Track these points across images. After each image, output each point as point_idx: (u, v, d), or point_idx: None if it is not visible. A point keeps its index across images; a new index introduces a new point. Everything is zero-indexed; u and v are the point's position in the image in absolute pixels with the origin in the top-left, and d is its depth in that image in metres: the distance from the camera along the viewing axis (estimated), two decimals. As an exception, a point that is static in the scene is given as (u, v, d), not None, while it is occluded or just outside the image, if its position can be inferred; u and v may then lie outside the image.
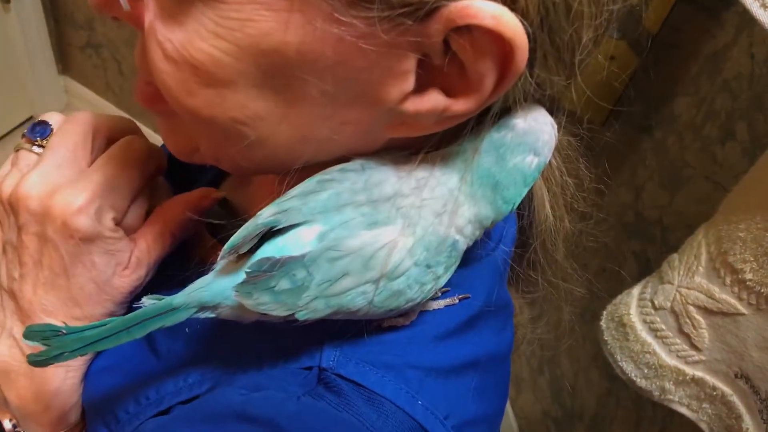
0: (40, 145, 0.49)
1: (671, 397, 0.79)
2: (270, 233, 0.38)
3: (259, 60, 0.35)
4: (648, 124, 1.03)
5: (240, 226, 0.39)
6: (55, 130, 0.49)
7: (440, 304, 0.45)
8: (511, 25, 0.33)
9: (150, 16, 0.36)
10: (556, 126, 0.41)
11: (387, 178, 0.39)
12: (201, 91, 0.37)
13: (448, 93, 0.37)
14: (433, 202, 0.39)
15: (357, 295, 0.37)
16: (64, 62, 2.06)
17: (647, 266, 1.08)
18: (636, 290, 0.82)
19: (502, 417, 0.50)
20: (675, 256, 0.78)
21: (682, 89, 0.97)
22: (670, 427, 1.08)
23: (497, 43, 0.34)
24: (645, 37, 0.93)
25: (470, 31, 0.33)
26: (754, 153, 0.86)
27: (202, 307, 0.38)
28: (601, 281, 1.13)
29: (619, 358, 0.82)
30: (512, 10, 0.33)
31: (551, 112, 0.43)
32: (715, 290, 0.72)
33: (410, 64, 0.35)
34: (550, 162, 0.47)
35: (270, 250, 0.38)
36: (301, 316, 0.37)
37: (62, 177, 0.45)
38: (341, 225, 0.37)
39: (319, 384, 0.40)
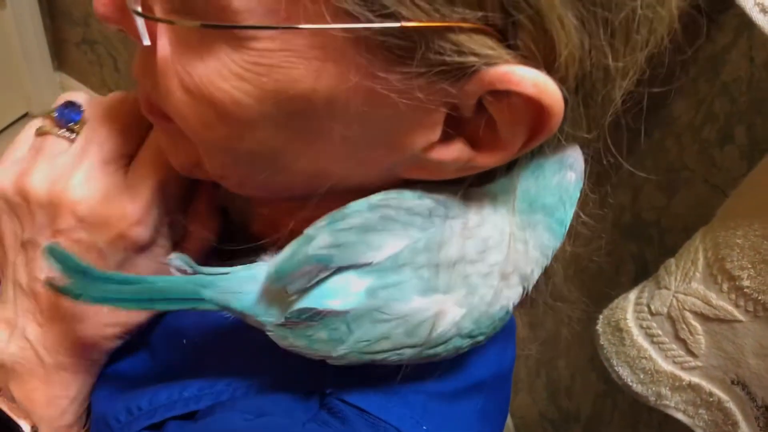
0: (71, 130, 0.44)
1: (667, 402, 0.79)
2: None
3: (283, 104, 0.33)
4: (646, 126, 1.02)
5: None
6: (88, 116, 0.44)
7: None
8: (551, 93, 0.32)
9: (165, 42, 0.34)
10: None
11: (451, 237, 0.36)
12: (220, 126, 0.35)
13: (474, 145, 0.36)
14: (500, 268, 0.37)
15: (392, 355, 0.37)
16: (60, 59, 2.05)
17: (644, 269, 1.08)
18: (632, 295, 0.82)
19: None
20: (672, 261, 0.78)
21: (681, 91, 0.96)
22: (667, 431, 1.07)
23: (535, 108, 0.33)
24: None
25: (508, 95, 0.32)
26: (752, 156, 0.86)
27: (227, 308, 0.37)
28: (598, 284, 1.13)
29: (615, 363, 0.82)
30: (550, 74, 0.32)
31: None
32: (712, 297, 0.71)
33: (440, 117, 0.34)
34: None
35: (313, 300, 0.36)
36: (331, 362, 0.37)
37: (112, 179, 0.42)
38: (395, 285, 0.35)
39: (322, 409, 0.40)
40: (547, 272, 0.50)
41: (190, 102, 0.34)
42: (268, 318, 0.36)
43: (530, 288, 0.39)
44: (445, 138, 0.35)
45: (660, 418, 1.08)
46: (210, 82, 0.33)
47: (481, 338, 0.38)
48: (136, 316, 0.44)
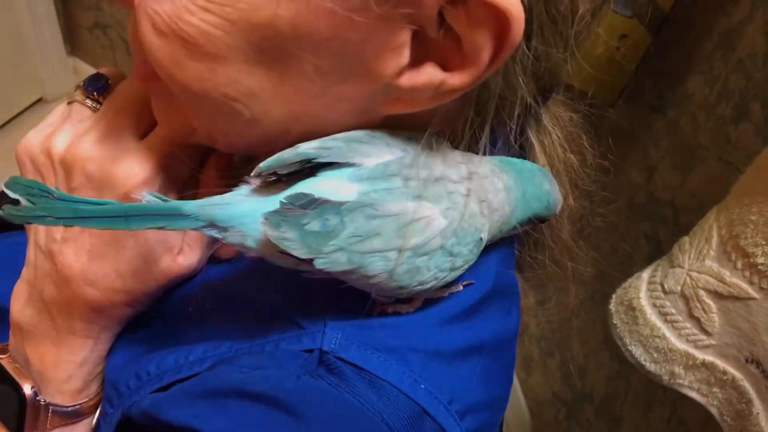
0: (96, 100, 0.47)
1: (681, 381, 0.79)
2: (308, 174, 0.37)
3: (250, 35, 0.34)
4: (660, 104, 1.01)
5: None
6: (113, 87, 0.47)
7: (444, 291, 0.44)
8: None
9: None
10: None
11: (434, 161, 0.39)
12: (192, 64, 0.36)
13: (444, 67, 0.36)
14: (477, 195, 0.39)
15: (379, 259, 0.37)
16: (73, 43, 2.06)
17: (658, 248, 1.07)
18: (646, 274, 0.81)
19: (507, 401, 0.49)
20: (686, 239, 0.77)
21: (696, 68, 0.95)
22: (681, 410, 1.07)
23: (493, 14, 0.33)
24: (657, 14, 0.91)
25: (465, 2, 0.33)
26: (767, 134, 0.85)
27: (211, 224, 0.37)
28: (611, 262, 1.12)
29: (628, 342, 0.81)
30: None
31: (551, 88, 0.43)
32: (726, 274, 0.71)
33: (405, 37, 0.34)
34: (551, 138, 0.46)
35: (309, 188, 0.37)
36: (319, 263, 0.36)
37: (125, 143, 0.43)
38: (386, 190, 0.37)
39: (320, 366, 0.40)
40: (551, 228, 0.51)
41: (163, 43, 0.36)
42: (261, 210, 0.36)
43: (496, 223, 0.41)
44: (415, 63, 0.36)
45: (674, 397, 1.08)
46: (179, 17, 0.34)
47: (459, 262, 0.39)
48: (143, 284, 0.45)
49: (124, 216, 0.35)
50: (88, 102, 0.47)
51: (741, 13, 0.87)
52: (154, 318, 0.47)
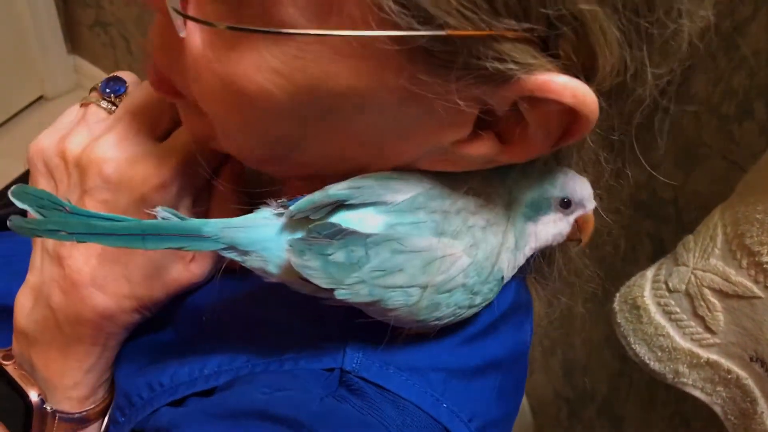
0: (112, 102, 0.46)
1: (685, 380, 0.79)
2: (337, 207, 0.37)
3: (314, 100, 0.33)
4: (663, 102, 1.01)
5: None
6: (130, 90, 0.46)
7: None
8: (589, 103, 0.32)
9: (199, 33, 0.34)
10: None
11: (454, 191, 0.38)
12: (246, 113, 0.35)
13: (502, 139, 0.36)
14: (495, 228, 0.39)
15: (401, 294, 0.36)
16: (73, 41, 2.05)
17: (661, 247, 1.07)
18: (650, 272, 0.81)
19: (517, 413, 0.49)
20: (690, 237, 0.77)
21: (699, 66, 0.95)
22: (684, 409, 1.07)
23: (570, 116, 0.33)
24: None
25: (546, 102, 0.32)
26: (772, 132, 0.85)
27: (231, 247, 0.36)
28: (614, 261, 1.12)
29: (632, 340, 0.81)
30: (589, 83, 0.32)
31: None
32: (731, 273, 0.70)
33: (473, 116, 0.34)
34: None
35: (337, 218, 0.36)
36: (340, 294, 0.36)
37: (143, 145, 0.43)
38: (411, 224, 0.36)
39: (341, 386, 0.40)
40: (562, 246, 0.50)
41: (219, 89, 0.34)
42: (285, 237, 0.36)
43: (521, 259, 0.41)
44: (474, 132, 0.35)
45: (677, 396, 1.07)
46: (244, 73, 0.33)
47: (478, 300, 0.39)
48: (152, 291, 0.44)
49: (141, 234, 0.34)
50: (104, 104, 0.46)
51: (745, 10, 0.86)
52: (166, 326, 0.47)
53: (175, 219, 0.35)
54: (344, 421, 0.37)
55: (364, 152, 0.38)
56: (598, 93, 0.33)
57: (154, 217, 0.35)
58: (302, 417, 0.36)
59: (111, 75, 0.48)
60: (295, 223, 0.36)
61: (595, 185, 0.45)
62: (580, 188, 0.42)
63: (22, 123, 1.92)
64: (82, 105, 0.47)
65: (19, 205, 0.34)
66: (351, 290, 0.36)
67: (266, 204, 0.37)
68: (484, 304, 0.40)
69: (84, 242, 0.34)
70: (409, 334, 0.42)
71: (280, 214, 0.37)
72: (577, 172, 0.44)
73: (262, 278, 0.37)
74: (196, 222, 0.36)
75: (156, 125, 0.44)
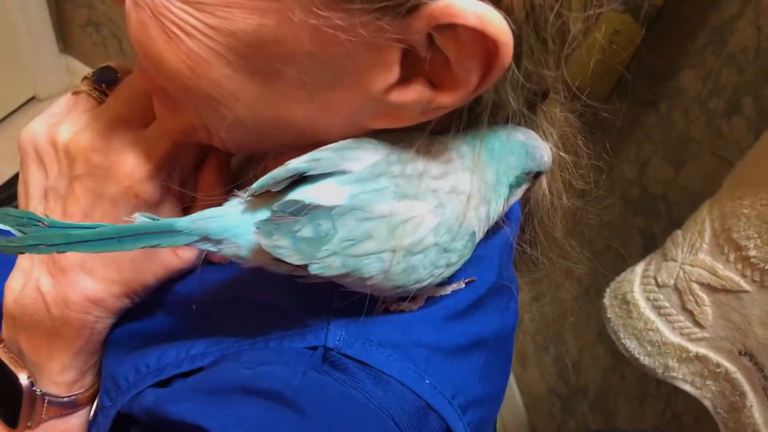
0: (103, 92, 0.47)
1: (675, 374, 0.79)
2: (299, 182, 0.37)
3: (231, 41, 0.34)
4: (653, 98, 1.01)
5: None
6: (122, 80, 0.47)
7: (447, 289, 0.44)
8: (495, 23, 0.32)
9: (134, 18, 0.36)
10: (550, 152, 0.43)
11: (416, 156, 0.39)
12: (173, 60, 0.36)
13: (434, 85, 0.36)
14: (460, 191, 0.39)
15: (374, 261, 0.37)
16: (66, 41, 2.05)
17: (652, 242, 1.07)
18: (639, 267, 0.82)
19: (503, 395, 0.49)
20: (678, 232, 0.77)
21: (688, 62, 0.95)
22: (675, 403, 1.08)
23: (482, 41, 0.33)
24: (650, 9, 0.91)
25: (454, 28, 0.33)
26: (759, 128, 0.85)
27: (205, 238, 0.37)
28: (605, 258, 1.13)
29: (622, 335, 0.82)
30: (497, 6, 0.32)
31: (544, 94, 0.43)
32: (719, 267, 0.71)
33: (394, 55, 0.35)
34: (546, 137, 0.46)
35: (299, 194, 0.37)
36: (314, 269, 0.36)
37: (131, 135, 0.43)
38: (374, 191, 0.37)
39: (325, 362, 0.40)
40: (544, 226, 0.51)
41: (147, 36, 0.36)
42: (253, 220, 0.36)
43: (481, 236, 0.41)
44: (405, 79, 0.36)
45: (668, 391, 1.08)
46: (160, 12, 0.35)
47: (455, 258, 0.39)
48: (142, 275, 0.44)
49: (117, 237, 0.35)
50: (95, 93, 0.47)
51: (732, 7, 0.87)
52: (155, 313, 0.47)
53: (152, 220, 0.36)
54: (327, 394, 0.38)
55: (301, 110, 0.38)
56: (516, 23, 0.34)
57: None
58: (285, 390, 0.37)
59: (104, 65, 0.48)
60: (260, 205, 0.37)
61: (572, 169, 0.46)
62: (548, 156, 0.43)
63: (14, 124, 1.92)
64: (73, 93, 0.47)
65: (1, 227, 0.35)
66: (324, 263, 0.36)
67: (235, 195, 0.38)
68: (462, 261, 0.40)
69: (63, 252, 0.35)
70: (395, 310, 0.42)
71: (248, 201, 0.38)
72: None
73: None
74: (167, 219, 0.37)
75: (144, 115, 0.45)
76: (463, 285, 0.45)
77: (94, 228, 0.35)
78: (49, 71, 2.00)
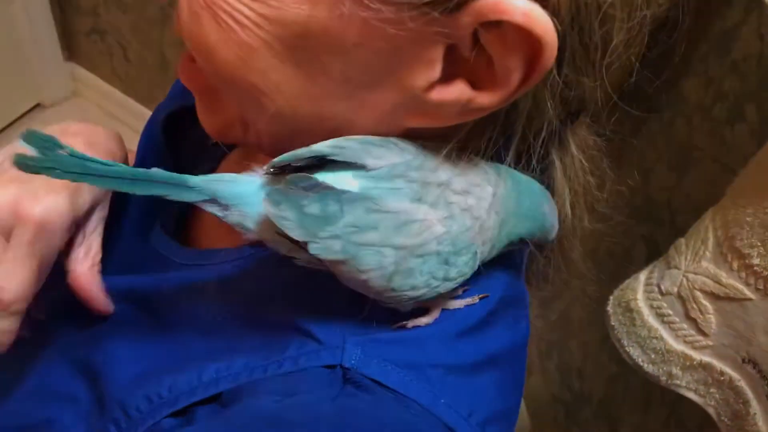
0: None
1: (678, 382, 0.79)
2: (317, 168, 0.38)
3: (280, 31, 0.35)
4: (656, 106, 1.01)
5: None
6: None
7: (461, 303, 0.44)
8: (541, 22, 0.32)
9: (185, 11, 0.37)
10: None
11: (440, 166, 0.39)
12: (223, 50, 0.37)
13: (474, 85, 0.36)
14: (475, 215, 0.39)
15: (374, 254, 0.37)
16: (70, 49, 2.05)
17: (656, 250, 1.07)
18: (643, 275, 0.82)
19: (519, 410, 0.49)
20: (682, 240, 0.77)
21: (691, 70, 0.96)
22: (679, 411, 1.07)
23: (526, 39, 0.33)
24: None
25: (500, 26, 0.33)
26: (762, 135, 0.85)
27: (214, 200, 0.37)
28: (608, 265, 1.12)
29: (626, 343, 0.82)
30: (543, 7, 0.33)
31: (578, 112, 0.43)
32: (722, 275, 0.71)
33: (437, 53, 0.35)
34: (574, 159, 0.46)
35: (315, 175, 0.37)
36: (313, 249, 0.36)
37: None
38: (388, 189, 0.37)
39: (347, 383, 0.40)
40: (563, 247, 0.51)
41: (198, 25, 0.37)
42: (265, 191, 0.37)
43: (483, 260, 0.42)
44: (445, 78, 0.36)
45: (672, 398, 1.08)
46: (213, 2, 0.36)
47: (453, 273, 0.39)
48: (89, 192, 0.45)
49: (131, 179, 0.35)
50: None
51: (735, 15, 0.87)
52: (160, 334, 0.47)
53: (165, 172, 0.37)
54: (360, 420, 0.37)
55: (342, 107, 0.39)
56: (561, 25, 0.34)
57: None
58: (318, 420, 0.37)
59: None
60: (275, 180, 0.38)
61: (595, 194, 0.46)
62: (554, 236, 0.46)
63: (19, 131, 1.91)
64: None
65: (26, 146, 0.35)
66: (324, 244, 0.36)
67: (253, 170, 0.39)
68: (460, 279, 0.40)
69: (78, 182, 0.36)
70: (411, 327, 0.42)
71: (265, 176, 0.39)
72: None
73: (254, 275, 0.38)
74: (183, 175, 0.37)
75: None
76: (477, 300, 0.45)
77: (111, 165, 0.36)
78: (54, 79, 2.01)
